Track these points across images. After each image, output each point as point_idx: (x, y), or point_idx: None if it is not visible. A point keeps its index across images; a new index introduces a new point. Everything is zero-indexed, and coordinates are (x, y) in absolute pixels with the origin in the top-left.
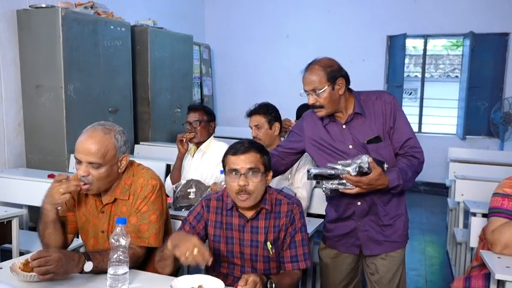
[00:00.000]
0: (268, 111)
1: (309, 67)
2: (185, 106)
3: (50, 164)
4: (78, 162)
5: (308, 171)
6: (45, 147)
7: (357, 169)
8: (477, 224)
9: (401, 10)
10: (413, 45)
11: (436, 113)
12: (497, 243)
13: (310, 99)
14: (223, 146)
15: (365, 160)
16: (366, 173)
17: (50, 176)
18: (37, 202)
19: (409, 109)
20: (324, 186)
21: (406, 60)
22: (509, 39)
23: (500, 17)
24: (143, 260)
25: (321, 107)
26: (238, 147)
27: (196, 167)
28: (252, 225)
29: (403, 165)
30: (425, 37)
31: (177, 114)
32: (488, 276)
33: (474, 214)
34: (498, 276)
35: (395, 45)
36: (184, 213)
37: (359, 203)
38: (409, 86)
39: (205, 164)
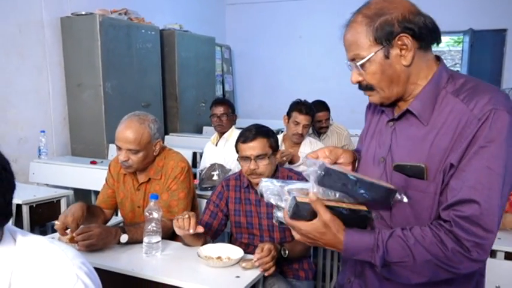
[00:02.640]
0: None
1: (350, 18)
2: (209, 101)
3: (91, 152)
4: (119, 149)
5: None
6: (87, 138)
7: (292, 207)
8: None
9: None
10: None
11: None
12: None
13: (353, 76)
14: None
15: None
16: (305, 217)
17: (92, 163)
18: (81, 185)
19: None
20: (274, 212)
21: None
22: (507, 35)
23: (498, 14)
24: (173, 232)
25: (370, 88)
26: (247, 135)
27: (220, 153)
28: None
29: (411, 238)
30: None
31: (201, 108)
32: None
33: None
34: None
35: None
36: (208, 192)
37: None
38: None
39: (227, 150)
